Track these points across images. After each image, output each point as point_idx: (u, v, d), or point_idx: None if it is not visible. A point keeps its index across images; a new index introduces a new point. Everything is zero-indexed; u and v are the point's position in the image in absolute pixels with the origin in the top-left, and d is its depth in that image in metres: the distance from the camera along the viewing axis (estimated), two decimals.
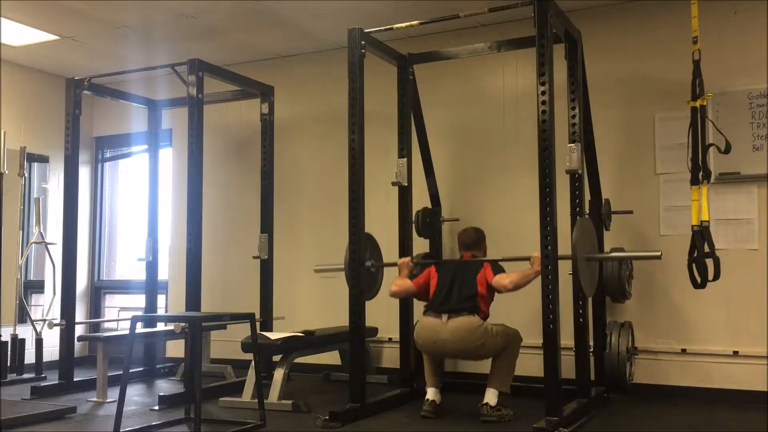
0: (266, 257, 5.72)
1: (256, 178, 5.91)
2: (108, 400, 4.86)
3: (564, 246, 3.89)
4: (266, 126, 5.85)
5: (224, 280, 6.31)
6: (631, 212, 4.85)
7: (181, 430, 4.02)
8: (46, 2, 5.09)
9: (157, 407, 4.61)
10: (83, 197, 6.86)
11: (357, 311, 4.28)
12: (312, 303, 6.06)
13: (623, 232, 4.93)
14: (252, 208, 5.94)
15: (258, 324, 5.20)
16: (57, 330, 5.45)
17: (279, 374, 4.65)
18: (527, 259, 4.08)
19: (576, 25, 4.50)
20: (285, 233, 6.03)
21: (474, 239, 4.51)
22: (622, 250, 4.68)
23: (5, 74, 6.25)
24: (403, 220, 4.91)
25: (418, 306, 4.81)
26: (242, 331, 4.63)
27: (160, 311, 6.40)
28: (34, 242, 6.11)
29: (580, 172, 4.20)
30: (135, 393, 5.26)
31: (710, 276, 3.89)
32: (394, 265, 4.59)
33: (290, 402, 4.48)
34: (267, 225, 5.78)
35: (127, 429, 3.82)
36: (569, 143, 4.26)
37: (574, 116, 4.42)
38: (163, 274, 6.45)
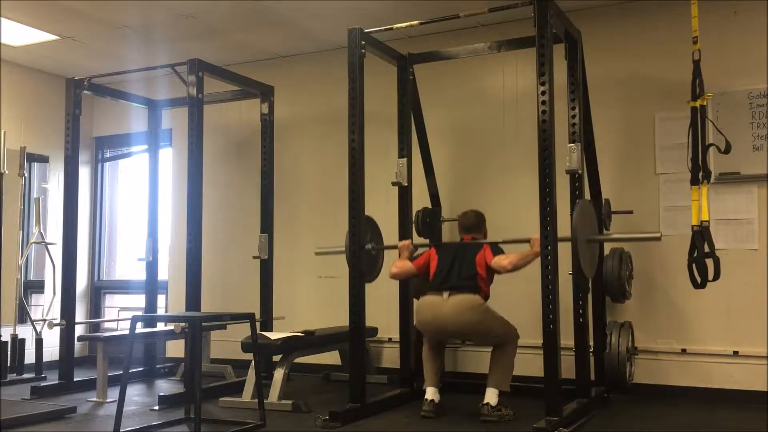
0: (266, 257, 5.72)
1: (256, 178, 5.91)
2: (108, 400, 4.87)
3: (563, 245, 3.88)
4: (266, 126, 5.85)
5: (224, 280, 6.31)
6: (631, 212, 4.84)
7: (181, 430, 4.02)
8: (46, 2, 5.09)
9: (157, 407, 4.61)
10: (83, 197, 6.86)
11: (357, 311, 4.28)
12: (312, 303, 6.06)
13: (623, 232, 4.92)
14: (252, 208, 5.94)
15: (258, 324, 5.20)
16: (57, 330, 5.45)
17: (279, 374, 4.65)
18: (527, 241, 4.08)
19: (576, 25, 4.50)
20: (285, 233, 6.03)
21: (474, 222, 4.51)
22: (622, 249, 4.68)
23: (5, 74, 6.25)
24: (403, 220, 4.91)
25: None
26: (242, 331, 4.63)
27: (160, 311, 6.40)
28: (34, 242, 6.11)
29: (580, 172, 4.20)
30: (135, 393, 5.26)
31: (710, 276, 3.89)
32: (394, 247, 4.60)
33: (290, 402, 4.48)
34: (267, 225, 5.78)
35: (127, 429, 3.82)
36: (569, 143, 4.26)
37: (574, 116, 4.42)
38: (163, 274, 6.45)
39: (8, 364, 5.79)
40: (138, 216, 6.77)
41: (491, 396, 4.04)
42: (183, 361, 5.20)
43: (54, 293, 5.89)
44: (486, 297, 4.21)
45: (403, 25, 4.57)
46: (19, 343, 5.86)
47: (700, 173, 3.93)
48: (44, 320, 5.76)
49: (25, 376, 5.78)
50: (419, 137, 5.16)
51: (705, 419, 4.22)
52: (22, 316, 6.08)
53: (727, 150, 4.09)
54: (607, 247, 4.72)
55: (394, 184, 4.80)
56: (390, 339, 5.58)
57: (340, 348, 5.47)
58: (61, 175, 6.06)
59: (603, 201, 4.73)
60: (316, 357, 5.37)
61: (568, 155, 4.16)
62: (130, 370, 4.34)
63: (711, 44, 4.47)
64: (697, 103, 3.97)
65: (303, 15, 5.37)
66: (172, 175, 6.77)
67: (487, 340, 4.23)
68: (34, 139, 6.44)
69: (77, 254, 5.62)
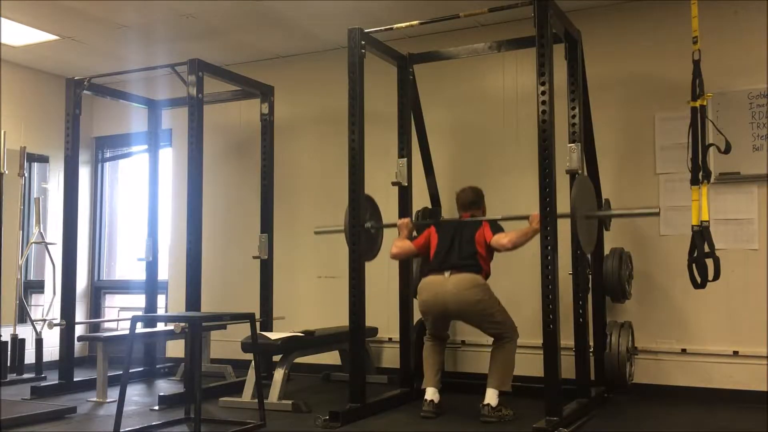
0: (266, 257, 5.72)
1: (256, 178, 5.91)
2: (108, 400, 4.87)
3: (564, 246, 3.88)
4: (266, 126, 5.85)
5: (224, 280, 6.31)
6: None
7: (181, 430, 4.02)
8: (46, 2, 5.09)
9: (157, 407, 4.61)
10: (83, 197, 6.86)
11: (357, 311, 4.28)
12: (312, 303, 6.06)
13: (623, 232, 4.93)
14: (252, 208, 5.94)
15: (258, 324, 5.20)
16: (57, 330, 5.45)
17: (279, 374, 4.65)
18: (526, 217, 4.07)
19: (576, 25, 4.50)
20: (285, 233, 6.03)
21: (473, 199, 4.49)
22: (621, 249, 4.68)
23: (5, 74, 6.25)
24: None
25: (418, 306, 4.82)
26: (242, 331, 4.63)
27: (160, 311, 6.40)
28: (34, 242, 6.11)
29: (580, 172, 4.20)
30: (135, 393, 5.26)
31: (710, 276, 3.89)
32: (393, 226, 4.60)
33: (290, 402, 4.48)
34: (267, 225, 5.78)
35: (127, 429, 3.81)
36: (569, 143, 4.27)
37: (574, 116, 4.42)
38: (163, 274, 6.45)
39: (8, 364, 5.79)
40: (138, 216, 6.77)
41: (491, 396, 4.04)
42: (183, 361, 5.20)
43: (54, 293, 5.89)
44: (487, 275, 4.22)
45: (403, 25, 4.57)
46: (19, 343, 5.86)
47: (700, 173, 3.92)
48: (44, 320, 5.76)
49: (25, 376, 5.78)
50: (419, 137, 5.16)
51: (705, 419, 4.22)
52: (22, 316, 6.08)
53: (727, 150, 4.09)
54: (607, 247, 4.73)
55: (394, 184, 4.80)
56: (390, 339, 5.58)
57: (340, 348, 5.47)
58: (61, 175, 6.06)
59: (603, 201, 4.73)
60: (316, 357, 5.37)
61: (568, 155, 4.16)
62: (130, 370, 4.34)
63: (711, 44, 4.47)
64: (697, 103, 3.96)
65: (303, 15, 5.37)
66: (172, 175, 6.77)
67: (487, 325, 4.19)
68: (34, 139, 6.44)
69: (77, 254, 5.62)
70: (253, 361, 4.43)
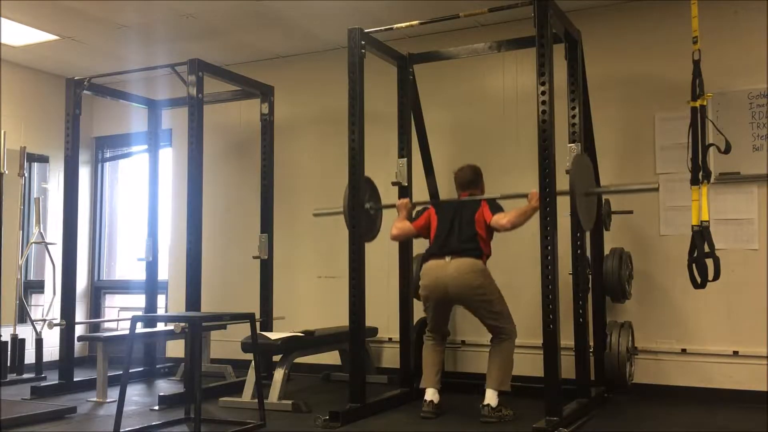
0: (266, 257, 5.72)
1: (256, 178, 5.91)
2: (108, 400, 4.87)
3: (564, 245, 3.88)
4: (266, 126, 5.85)
5: (224, 280, 6.30)
6: (631, 212, 4.85)
7: (181, 430, 4.02)
8: (46, 2, 5.09)
9: (157, 407, 4.61)
10: (83, 197, 6.86)
11: (357, 311, 4.28)
12: (312, 303, 6.06)
13: (623, 232, 4.93)
14: (252, 208, 5.94)
15: (258, 324, 5.20)
16: (57, 330, 5.45)
17: (279, 374, 4.65)
18: (525, 195, 4.07)
19: (576, 25, 4.50)
20: (285, 233, 6.03)
21: (471, 178, 4.47)
22: (621, 249, 4.68)
23: (5, 74, 6.25)
24: None
25: (418, 306, 4.82)
26: (242, 331, 4.63)
27: (160, 311, 6.40)
28: (34, 242, 6.11)
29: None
30: (135, 393, 5.26)
31: (710, 276, 3.89)
32: (393, 207, 4.60)
33: (290, 402, 4.48)
34: (267, 225, 5.78)
35: (127, 429, 3.81)
36: (569, 143, 4.27)
37: (574, 116, 4.42)
38: (163, 274, 6.45)
39: (8, 364, 5.79)
40: (138, 216, 6.77)
41: (491, 397, 4.04)
42: (183, 361, 5.20)
43: (54, 293, 5.89)
44: (488, 256, 4.23)
45: (403, 25, 4.57)
46: (19, 343, 5.86)
47: (700, 173, 3.93)
48: (44, 320, 5.76)
49: (25, 376, 5.78)
50: (419, 137, 5.16)
51: (705, 419, 4.22)
52: (22, 316, 6.08)
53: (727, 150, 4.09)
54: (607, 247, 4.73)
55: (394, 184, 4.80)
56: (390, 339, 5.58)
57: (340, 348, 5.47)
58: (61, 175, 6.06)
59: (603, 201, 4.73)
60: (316, 357, 5.37)
61: (568, 155, 4.16)
62: (130, 370, 4.35)
63: (711, 44, 4.47)
64: (697, 103, 3.97)
65: (303, 15, 5.37)
66: (172, 175, 6.77)
67: (485, 313, 4.18)
68: (34, 139, 6.44)
69: (77, 254, 5.62)
70: (253, 361, 4.43)
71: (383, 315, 5.38)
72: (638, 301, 4.88)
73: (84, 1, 5.08)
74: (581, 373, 4.34)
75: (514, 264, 5.03)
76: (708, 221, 3.91)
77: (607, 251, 4.70)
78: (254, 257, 5.73)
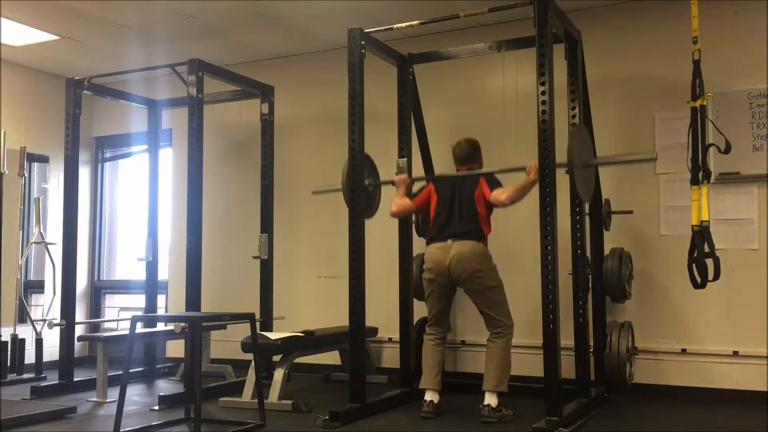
0: (266, 257, 5.72)
1: (256, 178, 5.91)
2: (108, 400, 4.87)
3: (564, 245, 3.88)
4: (266, 126, 5.85)
5: (224, 280, 6.31)
6: (631, 212, 4.85)
7: (181, 430, 4.02)
8: (46, 2, 5.09)
9: (157, 407, 4.61)
10: (83, 197, 6.86)
11: (357, 311, 4.28)
12: (312, 303, 6.06)
13: (623, 232, 4.93)
14: (252, 208, 5.94)
15: (258, 324, 5.20)
16: (57, 330, 5.45)
17: (279, 374, 4.65)
18: (523, 168, 4.05)
19: (576, 25, 4.50)
20: (285, 233, 6.03)
21: (469, 152, 4.44)
22: (621, 249, 4.68)
23: (5, 74, 6.25)
24: (403, 220, 4.91)
25: (418, 306, 4.82)
26: (242, 331, 4.63)
27: (160, 311, 6.40)
28: (34, 242, 6.11)
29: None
30: (135, 393, 5.26)
31: (710, 276, 3.89)
32: (391, 183, 4.59)
33: (290, 402, 4.48)
34: (267, 225, 5.78)
35: (127, 429, 3.81)
36: None
37: (574, 116, 4.43)
38: (163, 274, 6.45)
39: (8, 364, 5.79)
40: (138, 216, 6.77)
41: (491, 397, 4.04)
42: (183, 361, 5.20)
43: (54, 293, 5.89)
44: (489, 234, 4.24)
45: (403, 25, 4.57)
46: (19, 343, 5.86)
47: (700, 173, 3.93)
48: (44, 320, 5.76)
49: (25, 376, 5.78)
50: (419, 137, 5.16)
51: (705, 419, 4.22)
52: (22, 316, 6.08)
53: (727, 150, 4.09)
54: (607, 247, 4.73)
55: (394, 184, 4.80)
56: (390, 339, 5.58)
57: (340, 348, 5.47)
58: (61, 175, 6.06)
59: (603, 201, 4.73)
60: (316, 357, 5.37)
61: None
62: (130, 370, 4.35)
63: (711, 44, 4.47)
64: (697, 103, 3.97)
65: (303, 15, 5.37)
66: (172, 175, 6.77)
67: (484, 300, 4.17)
68: (34, 139, 6.44)
69: (77, 254, 5.62)
70: (253, 361, 4.43)
71: (383, 315, 5.38)
72: (638, 301, 4.89)
73: (84, 1, 5.08)
74: (581, 373, 4.34)
75: (515, 264, 5.02)
76: (708, 221, 3.92)
77: (607, 251, 4.70)
78: (254, 257, 5.73)
